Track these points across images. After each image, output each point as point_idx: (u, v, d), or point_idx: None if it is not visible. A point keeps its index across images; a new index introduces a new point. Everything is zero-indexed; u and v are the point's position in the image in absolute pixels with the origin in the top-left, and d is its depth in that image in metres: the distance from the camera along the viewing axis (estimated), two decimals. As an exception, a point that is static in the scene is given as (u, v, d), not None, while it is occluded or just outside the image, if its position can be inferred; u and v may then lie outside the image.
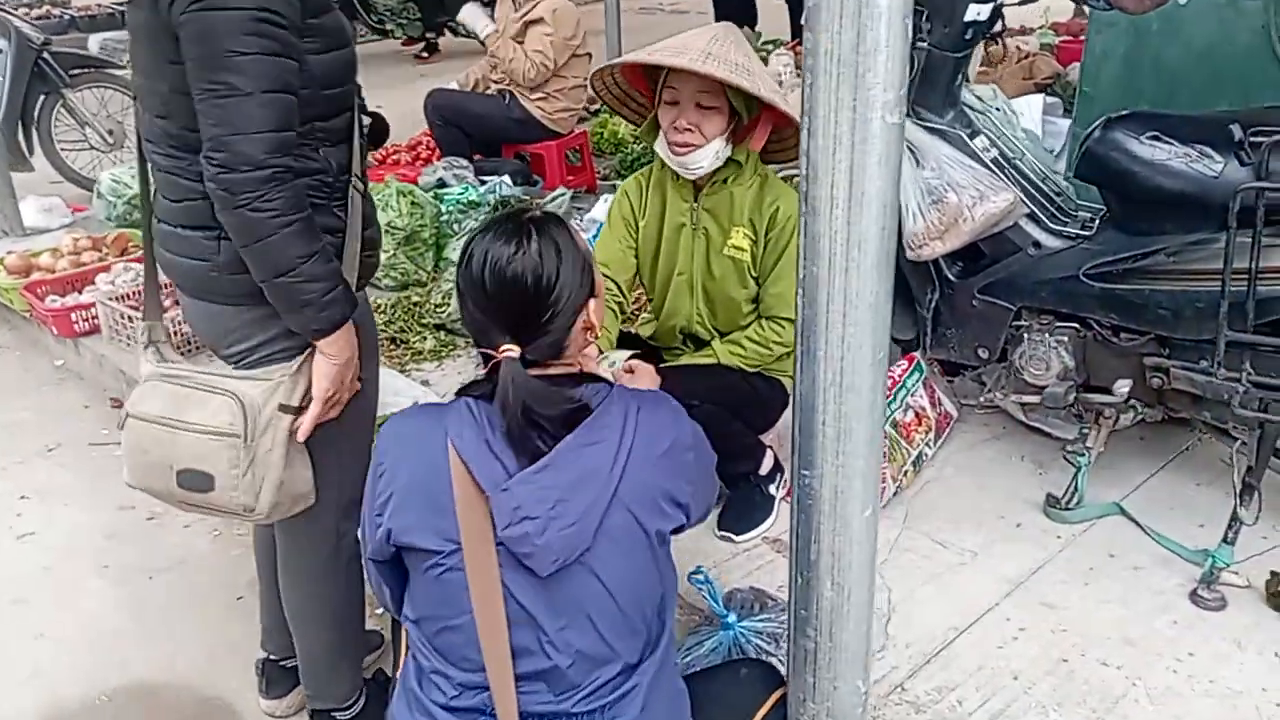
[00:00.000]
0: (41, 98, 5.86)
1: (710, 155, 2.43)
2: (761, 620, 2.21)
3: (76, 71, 6.00)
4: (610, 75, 2.58)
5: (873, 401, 1.67)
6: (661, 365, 2.67)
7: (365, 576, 1.93)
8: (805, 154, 1.54)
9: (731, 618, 2.18)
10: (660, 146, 2.48)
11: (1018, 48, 6.24)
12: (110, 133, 6.04)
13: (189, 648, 2.52)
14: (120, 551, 2.87)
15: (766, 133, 2.47)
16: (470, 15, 5.02)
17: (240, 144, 1.63)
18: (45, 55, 5.79)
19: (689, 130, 2.39)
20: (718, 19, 7.55)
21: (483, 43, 5.01)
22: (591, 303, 1.59)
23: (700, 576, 2.18)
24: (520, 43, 4.82)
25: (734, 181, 2.52)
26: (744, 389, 2.59)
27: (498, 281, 1.49)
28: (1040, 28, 7.23)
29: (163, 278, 1.98)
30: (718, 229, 2.55)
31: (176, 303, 3.78)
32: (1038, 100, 4.25)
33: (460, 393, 1.57)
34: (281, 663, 2.28)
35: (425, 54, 9.81)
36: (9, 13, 5.93)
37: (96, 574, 2.80)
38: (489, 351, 1.52)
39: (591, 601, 1.48)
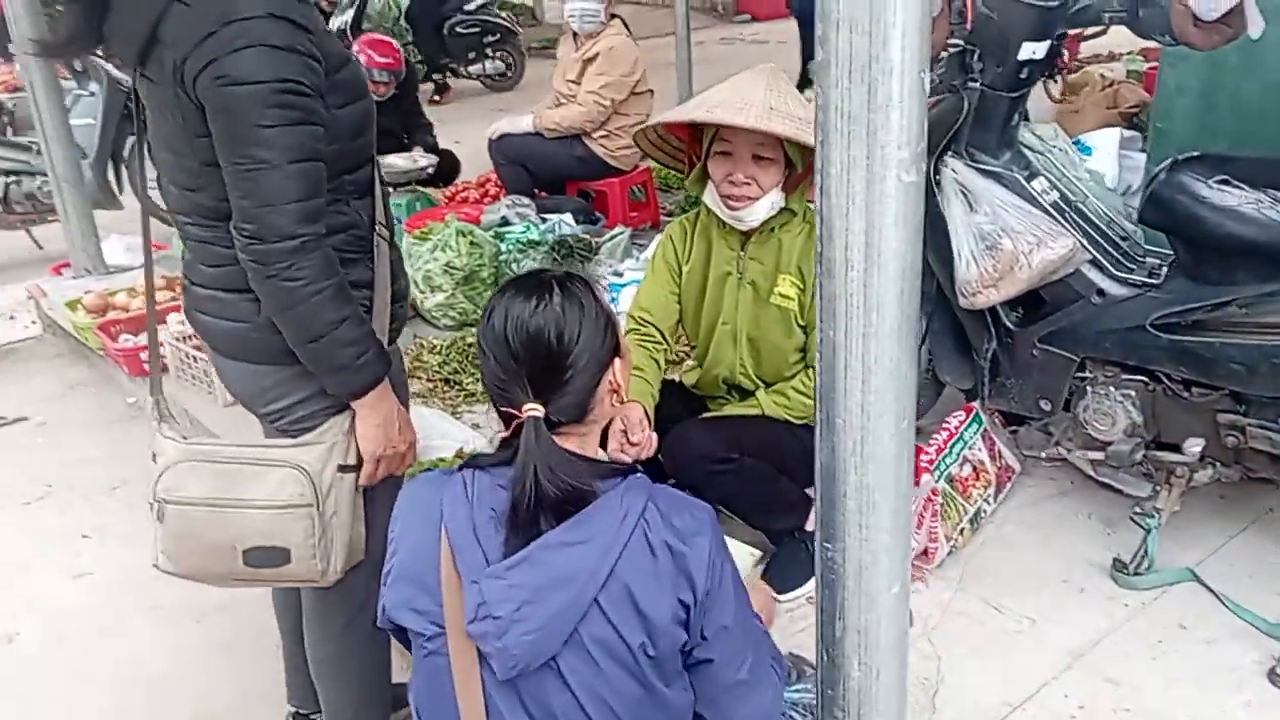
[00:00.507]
0: (131, 138, 6.09)
1: (765, 207, 2.38)
2: (798, 691, 2.10)
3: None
4: (654, 132, 2.54)
5: (898, 473, 1.57)
6: (705, 415, 2.61)
7: None
8: (820, 214, 1.47)
9: (764, 687, 2.08)
10: (711, 198, 2.42)
11: (1101, 75, 6.02)
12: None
13: (223, 695, 2.53)
14: (169, 594, 2.87)
15: None
16: (509, 125, 5.09)
17: (269, 216, 1.64)
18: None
19: (746, 184, 2.34)
20: (804, 50, 7.47)
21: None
22: (617, 363, 1.53)
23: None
24: (577, 83, 4.83)
25: (783, 229, 2.45)
26: (790, 442, 2.50)
27: (520, 337, 1.43)
28: (1128, 54, 6.97)
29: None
30: (765, 278, 2.48)
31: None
32: (1114, 135, 4.07)
33: (466, 464, 1.51)
34: (310, 717, 2.26)
35: (437, 96, 9.74)
36: (100, 56, 6.17)
37: (144, 615, 2.83)
38: (511, 412, 1.45)
39: (563, 711, 1.38)
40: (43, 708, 2.53)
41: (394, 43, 5.77)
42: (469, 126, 7.31)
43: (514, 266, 4.22)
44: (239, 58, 1.60)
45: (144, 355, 3.93)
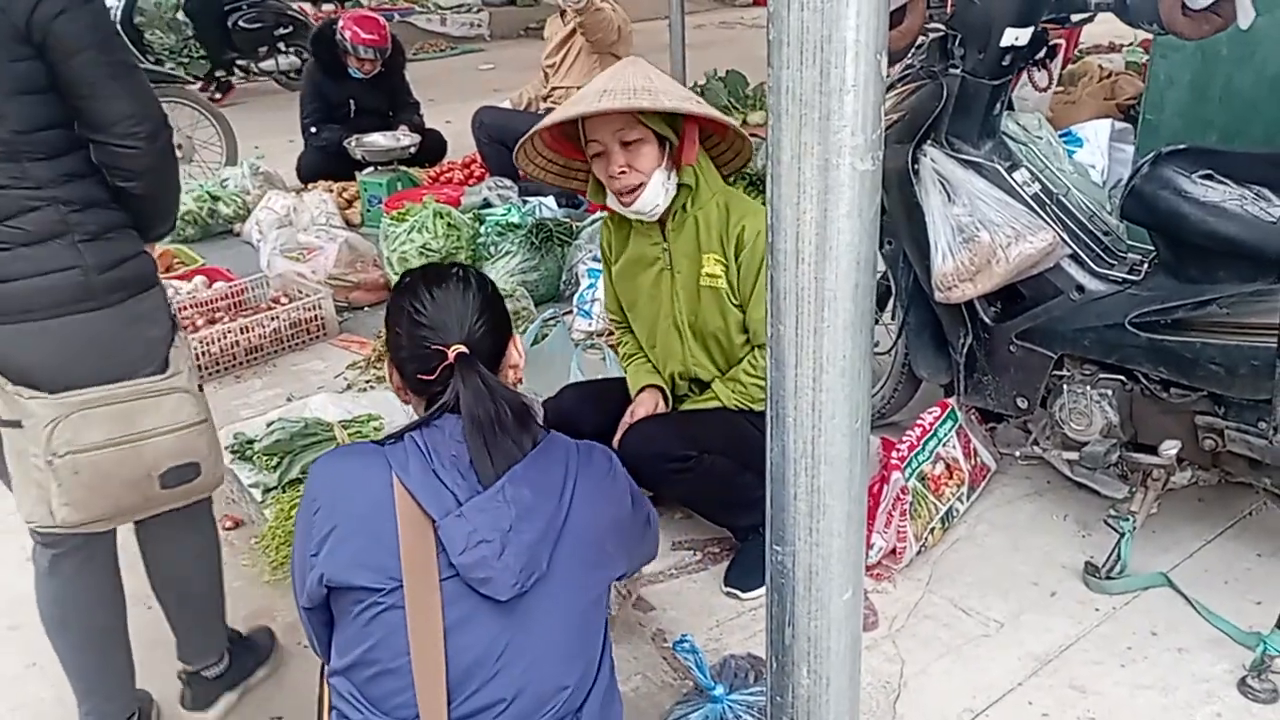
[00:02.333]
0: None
1: (658, 190, 2.31)
2: (754, 693, 2.04)
3: (147, 87, 6.16)
4: (539, 155, 2.48)
5: (850, 474, 1.50)
6: (662, 412, 2.54)
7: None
8: (770, 203, 1.40)
9: (720, 690, 2.03)
10: (612, 202, 2.37)
11: (1099, 66, 5.94)
12: (179, 146, 6.16)
13: (170, 684, 2.46)
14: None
15: (694, 142, 2.33)
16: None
17: (154, 109, 1.77)
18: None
19: (624, 171, 2.28)
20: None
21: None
22: (516, 339, 1.67)
23: (686, 645, 2.03)
24: (566, 46, 4.74)
25: (694, 206, 2.39)
26: (752, 436, 2.42)
27: (439, 287, 1.58)
28: (1129, 45, 6.90)
29: None
30: (691, 262, 2.41)
31: (211, 322, 3.79)
32: (1105, 125, 3.99)
33: (398, 435, 1.55)
34: (201, 672, 2.31)
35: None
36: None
37: (97, 601, 2.76)
38: (440, 349, 1.54)
39: (541, 635, 1.48)
40: (-9, 695, 2.47)
41: (380, 19, 5.69)
42: (461, 106, 7.22)
43: (492, 249, 4.14)
44: None
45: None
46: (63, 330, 1.79)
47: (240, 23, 8.83)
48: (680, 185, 2.35)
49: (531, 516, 1.46)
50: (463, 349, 1.54)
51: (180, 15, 8.93)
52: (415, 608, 1.42)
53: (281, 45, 9.12)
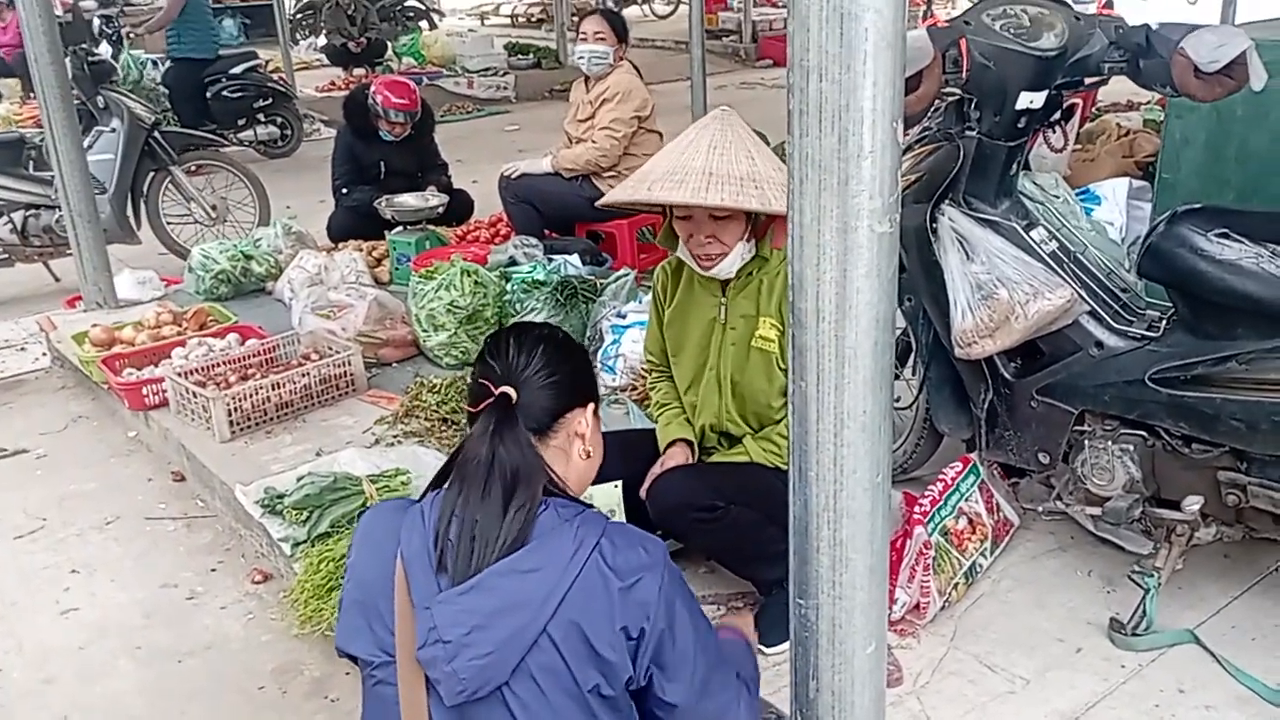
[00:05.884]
0: (151, 174, 6.18)
1: (735, 259, 2.40)
2: (778, 747, 2.05)
3: (185, 150, 6.33)
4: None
5: (871, 528, 1.53)
6: (690, 462, 2.57)
7: None
8: (791, 265, 1.45)
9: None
10: (684, 254, 2.45)
11: (1117, 124, 6.00)
12: (214, 208, 6.32)
13: None
14: (154, 633, 2.87)
15: (785, 230, 2.38)
16: (529, 166, 5.11)
17: None
18: (156, 135, 6.11)
19: (709, 242, 2.36)
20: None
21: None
22: (590, 408, 1.59)
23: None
24: (588, 123, 4.86)
25: (761, 272, 2.45)
26: (779, 490, 2.41)
27: (520, 334, 1.60)
28: (1147, 103, 6.95)
29: None
30: (747, 322, 2.47)
31: (244, 378, 3.86)
32: (1123, 184, 4.04)
33: (430, 486, 1.55)
34: None
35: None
36: (123, 94, 6.27)
37: (128, 654, 2.80)
38: (485, 384, 1.54)
39: None
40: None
41: (410, 84, 5.84)
42: (488, 166, 7.36)
43: (518, 306, 4.20)
44: None
45: (145, 390, 3.93)
46: None
47: (221, 94, 8.79)
48: (756, 255, 2.43)
49: (500, 620, 1.37)
50: (509, 391, 1.52)
51: (159, 85, 9.02)
52: (405, 688, 1.41)
53: (261, 116, 9.10)
